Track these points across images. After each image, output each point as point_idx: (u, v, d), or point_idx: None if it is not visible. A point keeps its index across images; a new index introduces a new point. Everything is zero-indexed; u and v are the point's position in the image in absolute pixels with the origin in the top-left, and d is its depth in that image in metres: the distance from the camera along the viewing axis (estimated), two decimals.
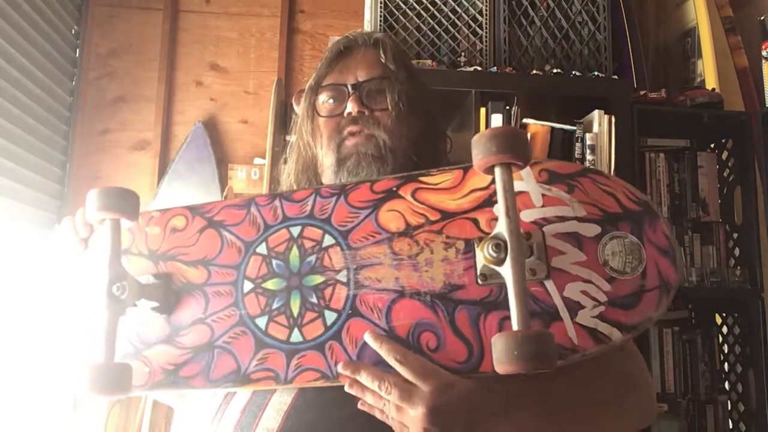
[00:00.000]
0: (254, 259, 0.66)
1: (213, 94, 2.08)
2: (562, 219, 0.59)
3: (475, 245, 0.60)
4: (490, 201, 0.62)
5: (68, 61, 2.02)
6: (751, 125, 1.66)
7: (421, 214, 0.63)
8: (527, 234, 0.58)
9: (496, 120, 1.50)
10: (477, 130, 1.49)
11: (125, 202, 0.62)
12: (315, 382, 0.61)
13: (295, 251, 0.65)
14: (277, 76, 2.06)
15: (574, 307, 0.57)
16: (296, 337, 0.62)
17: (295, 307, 0.63)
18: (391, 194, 0.64)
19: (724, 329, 1.73)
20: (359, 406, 0.59)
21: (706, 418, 1.63)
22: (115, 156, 2.03)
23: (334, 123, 0.80)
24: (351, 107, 0.78)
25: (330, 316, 0.62)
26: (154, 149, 2.02)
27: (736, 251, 1.68)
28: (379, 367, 0.58)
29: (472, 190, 0.63)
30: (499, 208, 0.53)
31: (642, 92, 1.66)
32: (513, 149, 0.52)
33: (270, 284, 0.65)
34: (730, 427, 1.66)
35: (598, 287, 0.57)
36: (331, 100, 0.81)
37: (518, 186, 0.60)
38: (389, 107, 0.79)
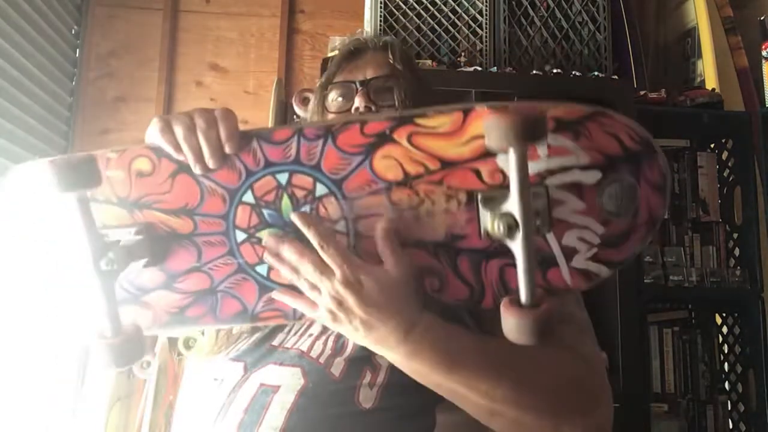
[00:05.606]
0: (242, 208, 0.62)
1: (213, 94, 2.08)
2: (565, 169, 0.58)
3: (479, 200, 0.58)
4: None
5: (68, 61, 2.02)
6: (751, 125, 1.66)
7: (420, 163, 0.59)
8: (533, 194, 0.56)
9: None
10: None
11: (88, 173, 0.53)
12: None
13: (286, 200, 0.61)
14: (277, 76, 2.06)
15: (570, 254, 0.59)
16: None
17: None
18: (385, 138, 0.59)
19: (724, 329, 1.73)
20: (274, 294, 0.61)
21: (706, 418, 1.64)
22: None
23: None
24: (358, 102, 0.81)
25: None
26: None
27: (736, 251, 1.68)
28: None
29: (474, 137, 0.58)
30: (512, 187, 0.51)
31: (642, 92, 1.66)
32: (533, 137, 0.49)
33: (265, 234, 0.62)
34: (730, 427, 1.66)
35: (594, 232, 0.58)
36: (340, 98, 0.84)
37: None
38: (396, 104, 0.81)
